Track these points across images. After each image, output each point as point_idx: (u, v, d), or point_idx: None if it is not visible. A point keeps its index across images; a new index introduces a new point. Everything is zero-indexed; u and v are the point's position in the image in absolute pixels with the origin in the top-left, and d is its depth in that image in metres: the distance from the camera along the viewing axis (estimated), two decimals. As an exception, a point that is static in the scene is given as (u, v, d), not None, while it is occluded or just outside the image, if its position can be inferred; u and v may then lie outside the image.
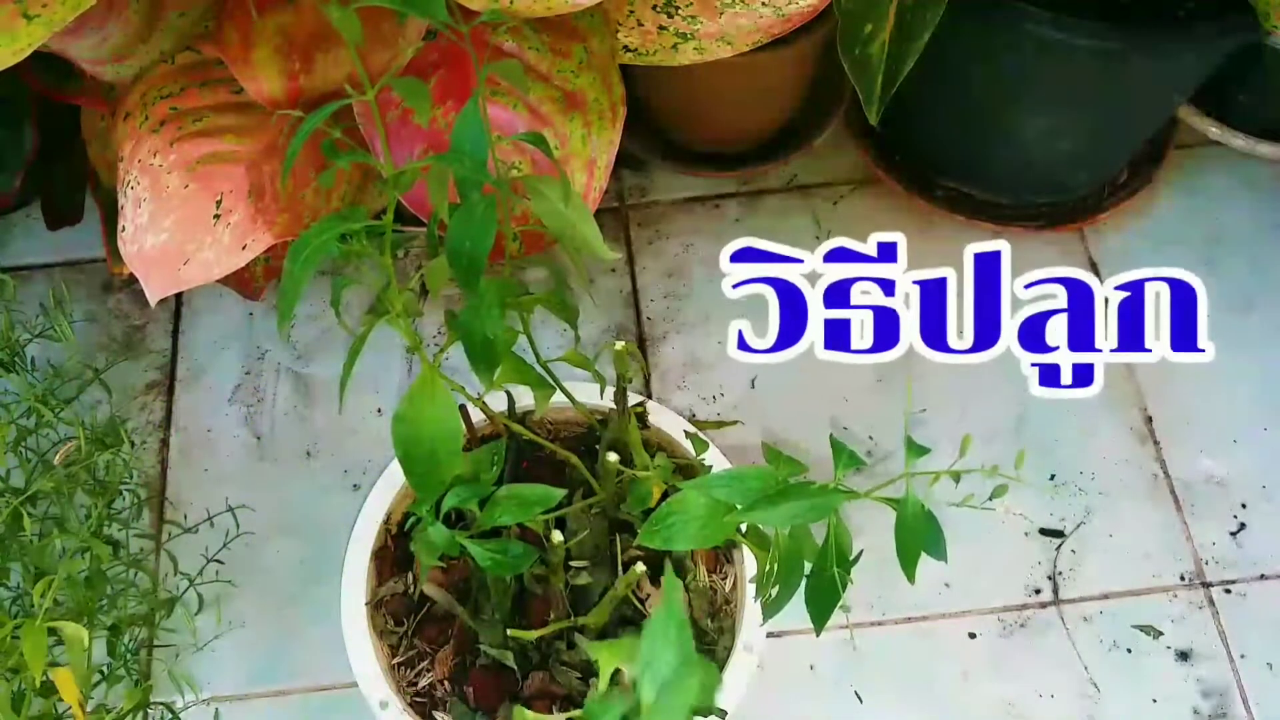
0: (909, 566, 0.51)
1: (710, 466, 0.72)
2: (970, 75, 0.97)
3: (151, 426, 0.99)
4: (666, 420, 0.77)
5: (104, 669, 0.75)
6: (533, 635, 0.66)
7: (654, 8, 0.70)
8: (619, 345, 0.66)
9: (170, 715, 0.75)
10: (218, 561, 0.86)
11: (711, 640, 0.73)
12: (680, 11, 0.70)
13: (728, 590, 0.75)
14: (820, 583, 0.53)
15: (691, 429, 0.76)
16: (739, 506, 0.51)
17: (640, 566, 0.62)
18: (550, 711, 0.68)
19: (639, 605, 0.71)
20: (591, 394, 0.72)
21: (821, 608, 0.53)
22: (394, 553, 0.77)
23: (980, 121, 1.03)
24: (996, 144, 1.05)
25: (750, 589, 0.69)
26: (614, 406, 0.69)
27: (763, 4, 0.69)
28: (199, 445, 0.98)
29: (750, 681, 0.70)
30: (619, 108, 0.71)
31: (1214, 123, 1.11)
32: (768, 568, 0.54)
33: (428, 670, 0.73)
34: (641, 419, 0.76)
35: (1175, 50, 0.88)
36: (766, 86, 1.04)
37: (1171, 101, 1.04)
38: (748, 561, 0.73)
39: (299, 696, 0.86)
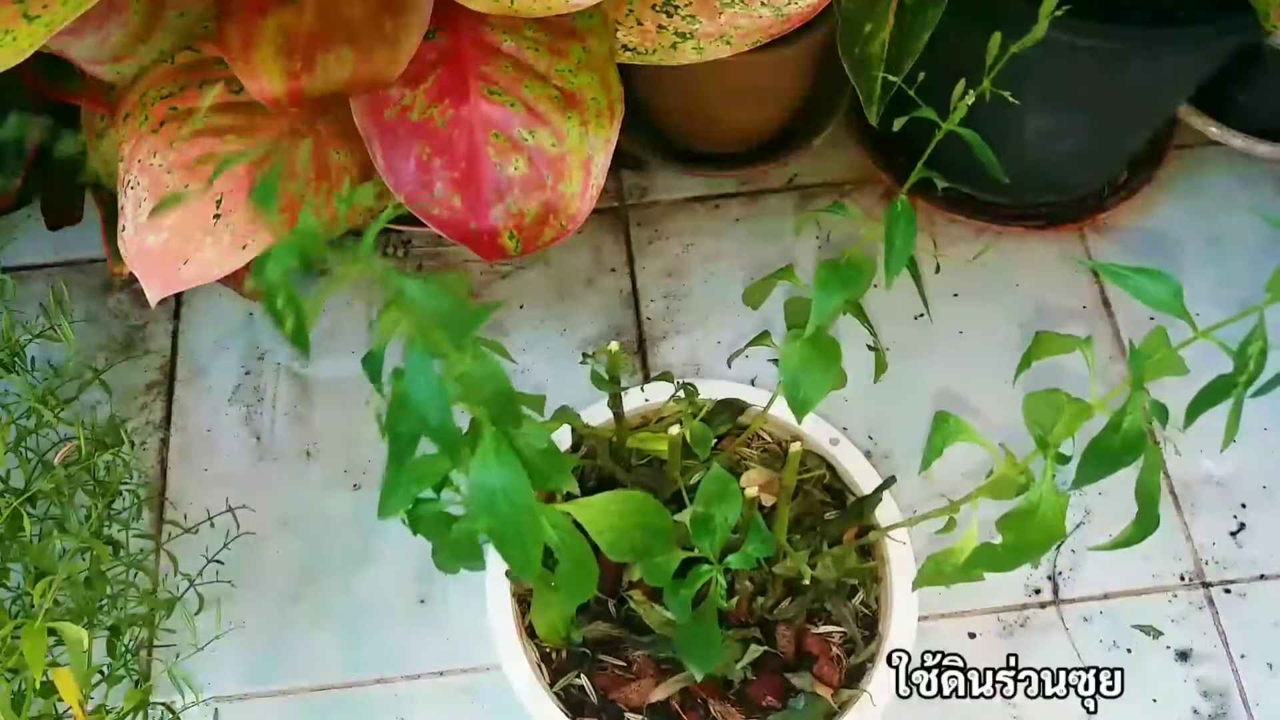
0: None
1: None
2: (970, 75, 0.97)
3: (151, 426, 0.99)
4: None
5: (104, 669, 0.74)
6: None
7: (653, 7, 0.70)
8: (613, 346, 0.65)
9: (170, 715, 0.75)
10: (218, 562, 0.86)
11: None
12: (679, 11, 0.70)
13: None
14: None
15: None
16: None
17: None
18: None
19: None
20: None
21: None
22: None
23: (980, 121, 1.02)
24: (996, 144, 1.04)
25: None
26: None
27: (762, 4, 0.69)
28: (199, 445, 0.98)
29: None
30: (617, 106, 0.71)
31: (1214, 123, 1.10)
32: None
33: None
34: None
35: (1175, 50, 0.88)
36: (766, 86, 1.04)
37: (1172, 101, 1.04)
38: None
39: (299, 696, 0.86)
